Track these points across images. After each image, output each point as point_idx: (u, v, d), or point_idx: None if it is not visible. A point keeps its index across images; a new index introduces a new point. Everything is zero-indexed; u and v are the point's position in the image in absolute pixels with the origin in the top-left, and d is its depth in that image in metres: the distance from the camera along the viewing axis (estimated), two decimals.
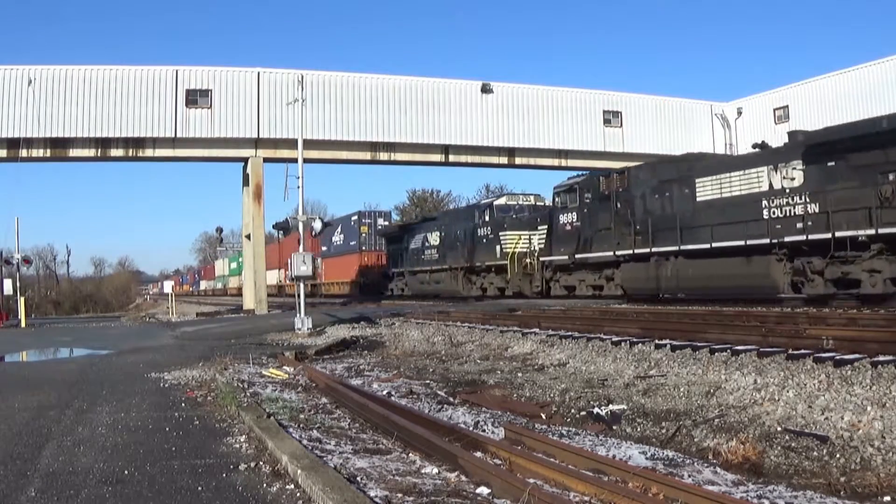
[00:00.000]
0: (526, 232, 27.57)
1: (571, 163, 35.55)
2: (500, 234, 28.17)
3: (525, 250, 27.19)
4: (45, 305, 66.52)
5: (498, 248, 28.27)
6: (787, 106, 34.42)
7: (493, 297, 28.75)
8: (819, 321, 11.81)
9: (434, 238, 34.38)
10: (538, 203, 29.74)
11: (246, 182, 31.89)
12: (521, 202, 29.93)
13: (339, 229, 46.93)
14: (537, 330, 13.86)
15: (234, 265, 75.25)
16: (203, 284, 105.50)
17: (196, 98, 29.90)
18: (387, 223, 44.28)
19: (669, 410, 7.56)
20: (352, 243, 44.35)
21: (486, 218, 29.62)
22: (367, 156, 33.03)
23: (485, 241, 29.38)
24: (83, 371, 11.41)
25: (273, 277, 58.11)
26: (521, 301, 25.49)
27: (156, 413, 7.48)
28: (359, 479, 4.93)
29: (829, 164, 16.26)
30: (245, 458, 5.50)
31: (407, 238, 37.25)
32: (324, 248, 48.36)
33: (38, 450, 5.89)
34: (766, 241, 17.22)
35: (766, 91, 36.59)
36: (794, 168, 17.15)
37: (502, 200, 30.19)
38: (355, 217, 44.38)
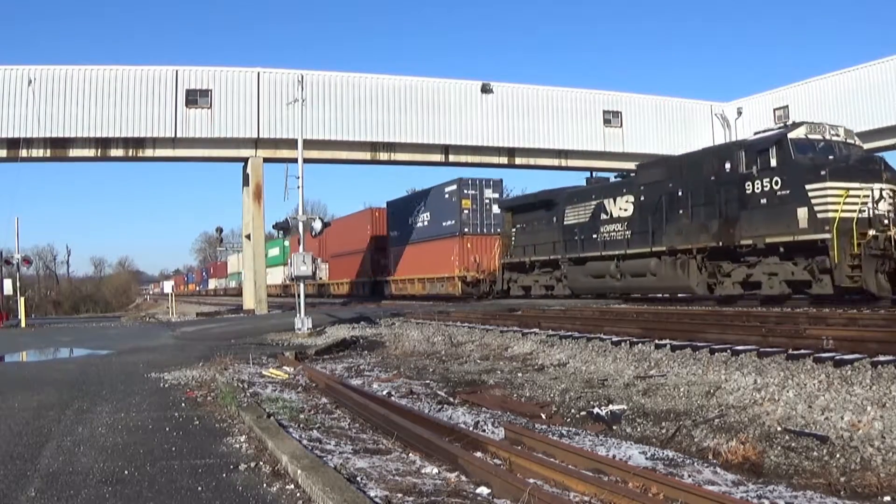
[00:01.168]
0: (858, 184, 16.33)
1: (572, 163, 35.58)
2: (810, 186, 16.71)
3: (864, 216, 16.07)
4: (45, 305, 66.63)
5: (802, 211, 16.77)
6: (786, 106, 34.42)
7: (786, 297, 17.63)
8: (819, 321, 11.81)
9: (622, 206, 22.48)
10: (849, 140, 18.37)
11: (246, 182, 31.90)
12: (828, 136, 18.13)
13: (422, 206, 34.50)
14: (537, 330, 13.86)
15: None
16: (212, 283, 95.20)
17: (196, 98, 29.90)
18: (496, 195, 31.67)
19: (669, 410, 7.56)
20: (447, 224, 31.78)
21: (771, 161, 17.74)
22: (367, 156, 33.04)
23: (764, 200, 17.75)
24: (83, 371, 11.40)
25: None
26: (521, 301, 25.47)
27: (156, 413, 7.48)
28: (359, 479, 4.93)
29: None
30: (245, 458, 5.50)
31: (559, 211, 25.50)
32: (394, 234, 37.82)
33: (38, 450, 5.89)
34: None
35: (766, 91, 36.62)
36: None
37: (800, 132, 17.94)
38: (452, 187, 31.45)
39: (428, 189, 35.11)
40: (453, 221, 31.19)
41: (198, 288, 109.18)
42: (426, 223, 33.96)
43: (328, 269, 47.35)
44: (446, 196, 31.95)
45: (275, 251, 58.49)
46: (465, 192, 30.88)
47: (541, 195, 27.81)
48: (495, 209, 31.05)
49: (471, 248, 30.48)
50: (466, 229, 30.74)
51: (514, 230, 28.14)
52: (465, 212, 30.72)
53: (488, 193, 31.30)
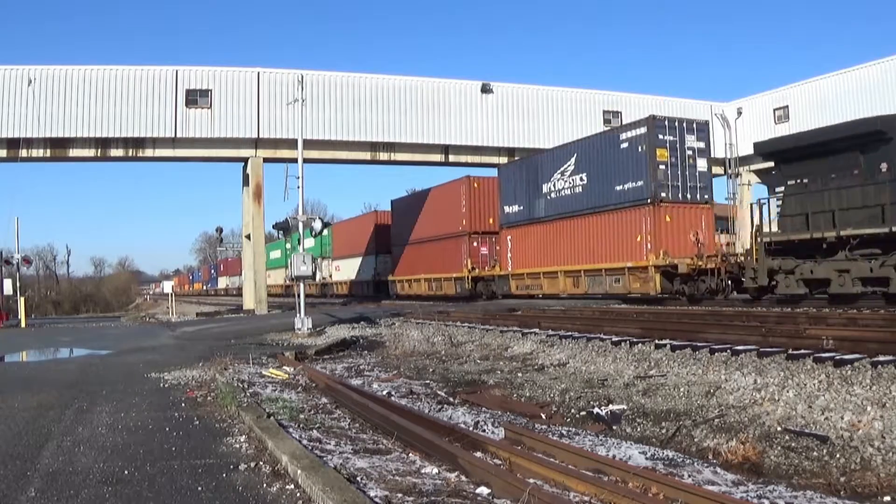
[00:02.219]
0: None
1: None
2: None
3: None
4: (45, 305, 66.65)
5: None
6: (787, 106, 34.44)
7: None
8: (819, 321, 11.82)
9: None
10: None
11: (246, 182, 31.91)
12: None
13: (569, 166, 24.78)
14: (537, 330, 13.86)
15: (276, 254, 54.65)
16: (223, 281, 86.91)
17: (196, 98, 29.93)
18: (702, 144, 21.92)
19: (669, 410, 7.56)
20: (626, 187, 22.09)
21: None
22: (367, 156, 33.05)
23: None
24: (83, 371, 11.41)
25: (369, 267, 40.90)
26: (521, 301, 25.44)
27: (156, 413, 7.48)
28: (359, 479, 4.93)
29: None
30: (245, 458, 5.50)
31: (893, 150, 15.41)
32: (511, 210, 28.26)
33: (38, 450, 5.89)
34: None
35: (766, 91, 36.64)
36: None
37: None
38: (639, 131, 21.98)
39: (589, 136, 25.16)
40: (640, 182, 21.37)
41: (205, 287, 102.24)
42: (579, 188, 24.26)
43: (391, 262, 38.23)
44: (624, 146, 22.17)
45: (309, 242, 48.56)
46: (661, 137, 21.11)
47: (842, 129, 16.93)
48: (701, 165, 21.77)
49: (670, 223, 20.82)
50: (664, 194, 20.94)
51: (779, 190, 17.86)
52: (662, 167, 20.97)
53: (691, 142, 21.65)
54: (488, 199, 30.18)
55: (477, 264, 30.10)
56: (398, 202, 38.90)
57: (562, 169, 25.17)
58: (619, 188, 22.36)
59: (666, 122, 21.62)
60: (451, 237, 31.40)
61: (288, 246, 53.70)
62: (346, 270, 41.59)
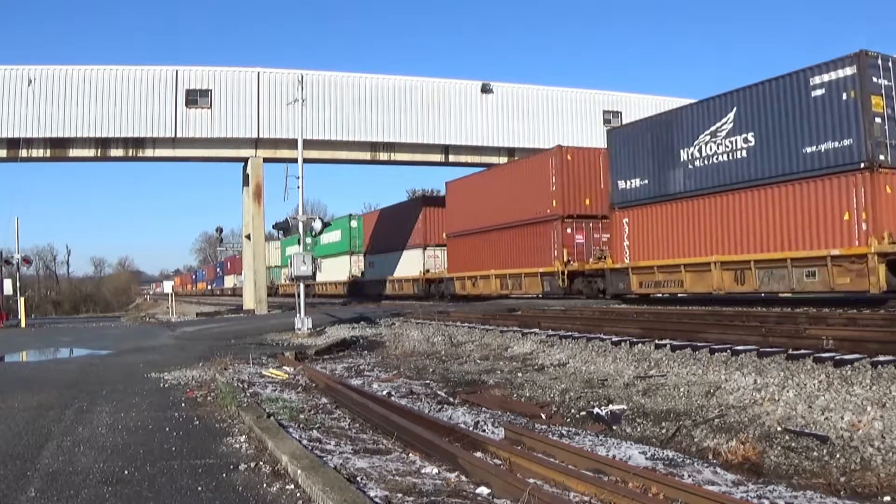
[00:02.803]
0: None
1: None
2: None
3: None
4: (45, 305, 66.74)
5: None
6: None
7: None
8: (819, 321, 11.82)
9: None
10: None
11: (246, 182, 31.95)
12: None
13: (727, 119, 18.88)
14: (537, 330, 13.86)
15: (291, 250, 44.99)
16: (230, 280, 79.95)
17: (196, 98, 29.96)
18: None
19: (669, 410, 7.56)
20: (820, 148, 16.53)
21: None
22: (367, 156, 33.08)
23: None
24: (83, 371, 11.41)
25: (415, 263, 34.52)
26: (521, 301, 25.44)
27: (156, 413, 7.48)
28: (359, 479, 4.93)
29: None
30: (245, 459, 5.50)
31: None
32: (629, 185, 22.12)
33: (38, 450, 5.89)
34: None
35: None
36: None
37: None
38: (841, 72, 16.19)
39: (734, 91, 18.84)
40: (847, 142, 15.95)
41: (209, 286, 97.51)
42: (742, 153, 18.38)
43: (445, 255, 32.54)
44: (818, 92, 16.55)
45: (334, 235, 42.32)
46: (875, 80, 15.78)
47: None
48: None
49: (892, 196, 15.84)
50: (882, 156, 15.69)
51: None
52: (878, 121, 15.71)
53: None
54: (585, 175, 24.60)
55: (572, 256, 24.27)
56: (457, 183, 32.03)
57: (712, 129, 19.31)
58: (809, 150, 16.73)
59: (879, 61, 15.91)
60: (536, 223, 25.51)
61: (308, 241, 50.91)
62: (381, 267, 36.38)
